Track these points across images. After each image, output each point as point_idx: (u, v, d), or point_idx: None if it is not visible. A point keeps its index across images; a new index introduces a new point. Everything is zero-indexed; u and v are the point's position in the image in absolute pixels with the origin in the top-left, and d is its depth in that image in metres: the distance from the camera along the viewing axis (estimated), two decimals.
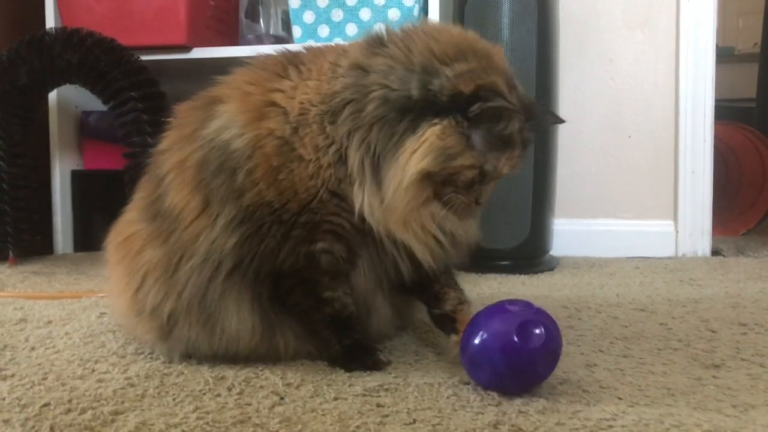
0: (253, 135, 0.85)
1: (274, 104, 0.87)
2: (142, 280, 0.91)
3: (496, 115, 0.82)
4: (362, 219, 0.85)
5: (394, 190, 0.82)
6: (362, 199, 0.84)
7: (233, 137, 0.86)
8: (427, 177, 0.82)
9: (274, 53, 0.94)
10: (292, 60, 0.91)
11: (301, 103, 0.86)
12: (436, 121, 0.81)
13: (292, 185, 0.85)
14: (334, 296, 0.90)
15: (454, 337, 0.90)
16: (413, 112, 0.82)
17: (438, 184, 0.84)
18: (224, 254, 0.86)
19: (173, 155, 0.90)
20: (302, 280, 0.89)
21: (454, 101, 0.81)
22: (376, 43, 0.87)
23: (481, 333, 0.78)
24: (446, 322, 0.93)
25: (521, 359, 0.76)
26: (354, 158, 0.84)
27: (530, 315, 0.78)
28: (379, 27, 0.89)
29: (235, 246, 0.86)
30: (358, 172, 0.84)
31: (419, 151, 0.81)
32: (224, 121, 0.87)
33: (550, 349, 0.77)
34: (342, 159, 0.85)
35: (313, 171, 0.85)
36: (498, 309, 0.80)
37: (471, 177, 0.84)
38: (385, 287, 0.95)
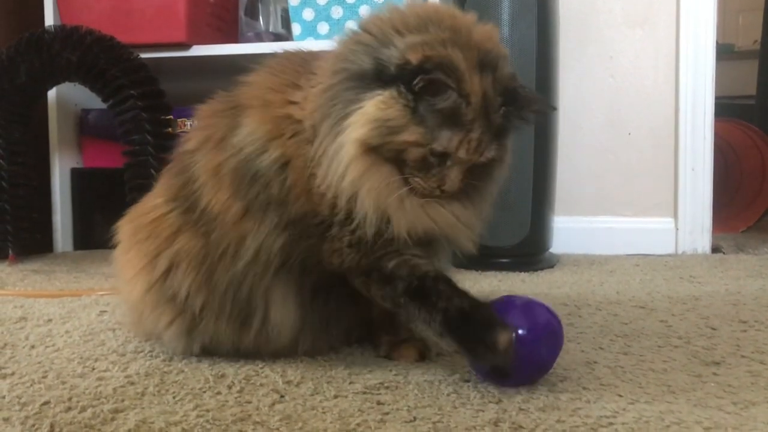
0: (279, 153, 0.85)
1: (290, 117, 0.86)
2: (170, 265, 0.90)
3: (434, 88, 0.77)
4: None
5: (345, 165, 0.79)
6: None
7: (258, 152, 0.85)
8: (372, 151, 0.79)
9: (295, 51, 0.94)
10: (306, 65, 0.90)
11: (312, 112, 0.84)
12: (379, 92, 0.78)
13: (320, 189, 0.84)
14: (398, 263, 0.84)
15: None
16: (363, 80, 0.79)
17: (393, 162, 0.80)
18: (273, 254, 0.87)
19: (205, 158, 0.90)
20: (364, 272, 0.85)
21: (400, 71, 0.77)
22: (352, 31, 0.86)
23: None
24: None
25: (526, 338, 0.76)
26: (320, 137, 0.82)
27: (532, 300, 0.80)
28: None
29: (283, 247, 0.87)
30: (324, 151, 0.82)
31: (358, 122, 0.78)
32: (247, 134, 0.86)
33: (554, 329, 0.79)
34: None
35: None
36: (501, 299, 0.82)
37: (420, 156, 0.79)
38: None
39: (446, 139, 0.79)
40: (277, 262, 0.87)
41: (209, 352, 0.94)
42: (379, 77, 0.79)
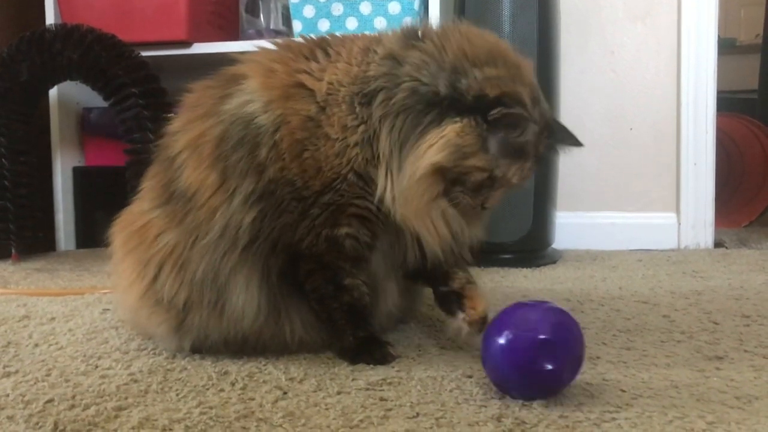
0: (280, 112, 0.86)
1: (300, 85, 0.87)
2: (158, 268, 0.90)
3: (513, 122, 0.83)
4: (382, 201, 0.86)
5: (409, 179, 0.83)
6: (385, 184, 0.85)
7: (257, 111, 0.86)
8: (439, 172, 0.84)
9: (299, 38, 0.96)
10: (319, 44, 0.92)
11: (330, 83, 0.87)
12: (457, 119, 0.83)
13: (316, 163, 0.86)
14: (354, 284, 0.91)
15: (461, 315, 0.92)
16: (440, 106, 0.83)
17: (449, 181, 0.85)
18: (242, 230, 0.86)
19: (187, 133, 0.90)
20: (323, 266, 0.89)
21: (477, 102, 0.83)
22: (412, 36, 0.88)
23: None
24: (452, 300, 0.94)
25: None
26: (384, 143, 0.85)
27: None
28: (416, 21, 0.91)
29: (253, 221, 0.86)
30: (384, 157, 0.85)
31: (436, 145, 0.82)
32: (248, 95, 0.87)
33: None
34: (369, 140, 0.86)
35: (340, 149, 0.86)
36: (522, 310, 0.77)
37: (480, 179, 0.85)
38: (397, 272, 0.96)
39: (506, 166, 0.85)
40: (245, 240, 0.87)
41: (200, 346, 0.93)
42: (454, 104, 0.83)
